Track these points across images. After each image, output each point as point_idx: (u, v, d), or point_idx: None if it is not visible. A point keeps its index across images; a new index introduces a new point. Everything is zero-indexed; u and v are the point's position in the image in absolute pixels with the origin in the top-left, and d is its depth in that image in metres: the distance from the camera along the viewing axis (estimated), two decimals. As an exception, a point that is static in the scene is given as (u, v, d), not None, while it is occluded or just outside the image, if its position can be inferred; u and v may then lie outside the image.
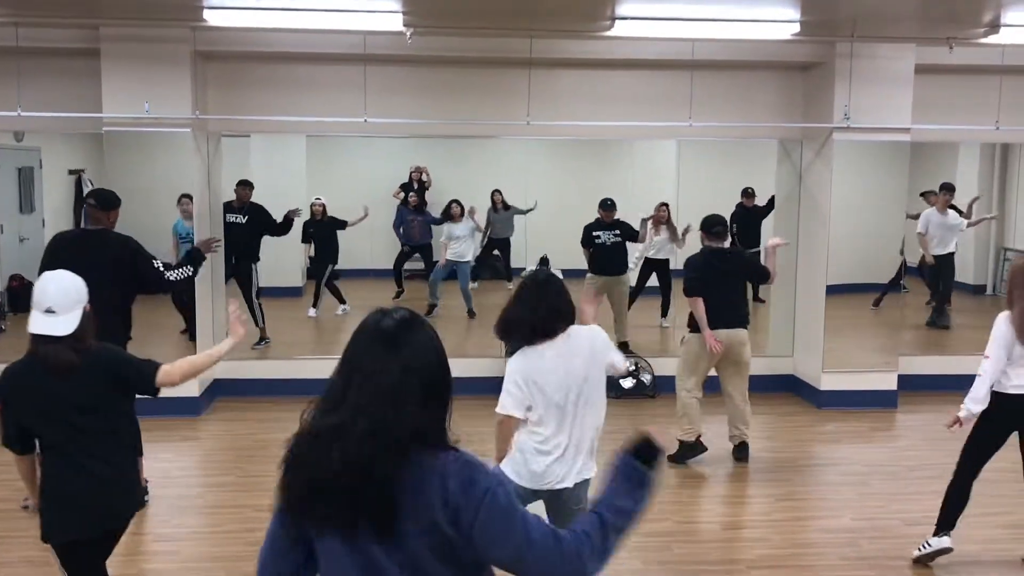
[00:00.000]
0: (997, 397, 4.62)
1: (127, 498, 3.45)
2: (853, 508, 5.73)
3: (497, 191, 11.83)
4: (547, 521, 1.93)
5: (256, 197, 10.28)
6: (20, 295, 9.37)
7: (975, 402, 4.61)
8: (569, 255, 9.15)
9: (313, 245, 10.72)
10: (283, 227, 9.38)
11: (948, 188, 9.80)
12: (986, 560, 4.99)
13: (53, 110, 7.31)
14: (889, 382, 8.03)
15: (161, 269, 5.33)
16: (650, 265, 10.00)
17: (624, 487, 2.02)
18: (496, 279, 12.13)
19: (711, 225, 6.48)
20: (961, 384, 7.98)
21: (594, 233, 8.99)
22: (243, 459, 6.51)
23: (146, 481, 5.76)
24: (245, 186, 9.11)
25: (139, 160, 7.47)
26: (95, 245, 5.23)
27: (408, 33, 6.90)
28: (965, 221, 9.94)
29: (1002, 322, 4.63)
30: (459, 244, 10.75)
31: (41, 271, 4.37)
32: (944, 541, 4.79)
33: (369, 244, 12.17)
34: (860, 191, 8.01)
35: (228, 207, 8.71)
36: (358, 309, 11.52)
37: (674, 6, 6.80)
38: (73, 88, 7.41)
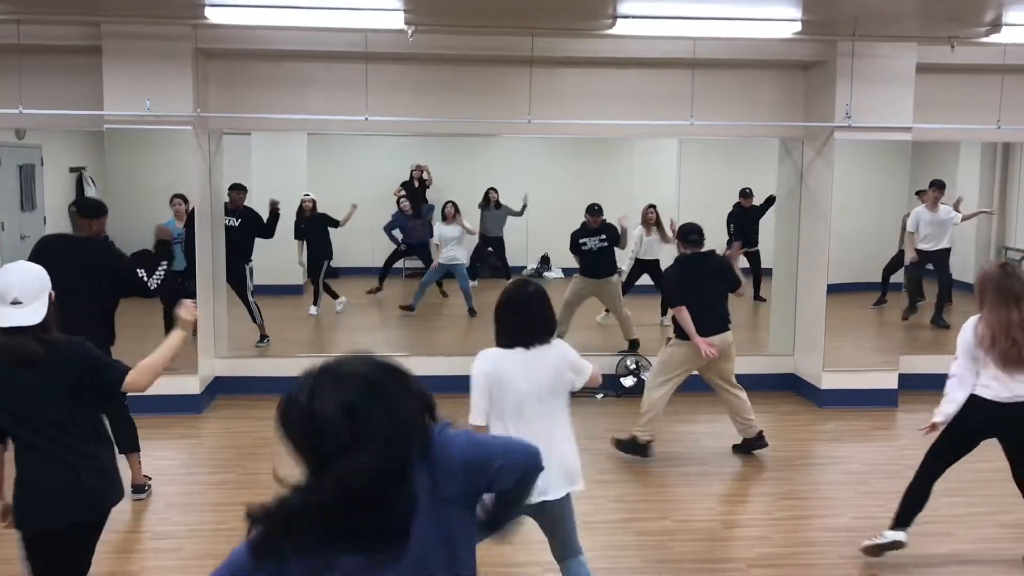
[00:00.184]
0: (972, 400, 4.59)
1: (98, 490, 3.38)
2: (853, 507, 5.73)
3: (492, 189, 11.82)
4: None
5: (257, 195, 10.28)
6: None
7: (950, 404, 4.60)
8: (570, 255, 9.15)
9: (305, 242, 10.70)
10: (272, 223, 9.41)
11: (938, 185, 9.74)
12: (986, 559, 4.99)
13: (54, 107, 7.31)
14: (890, 381, 8.03)
15: (144, 278, 5.33)
16: (641, 266, 9.97)
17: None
18: (496, 277, 12.13)
19: (687, 233, 6.54)
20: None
21: (580, 240, 8.93)
22: (244, 457, 6.52)
23: (147, 478, 5.78)
24: (239, 190, 9.11)
25: (140, 158, 7.47)
26: (78, 252, 5.21)
27: (409, 31, 6.89)
28: (959, 215, 9.90)
29: (969, 327, 4.62)
30: (451, 247, 10.68)
31: None
32: (899, 534, 4.80)
33: (370, 242, 12.17)
34: (861, 190, 8.01)
35: (224, 209, 8.64)
36: (357, 306, 11.53)
37: (675, 5, 6.79)
38: (74, 85, 7.41)
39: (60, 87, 7.43)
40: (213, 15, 6.88)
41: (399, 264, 12.09)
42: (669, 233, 9.45)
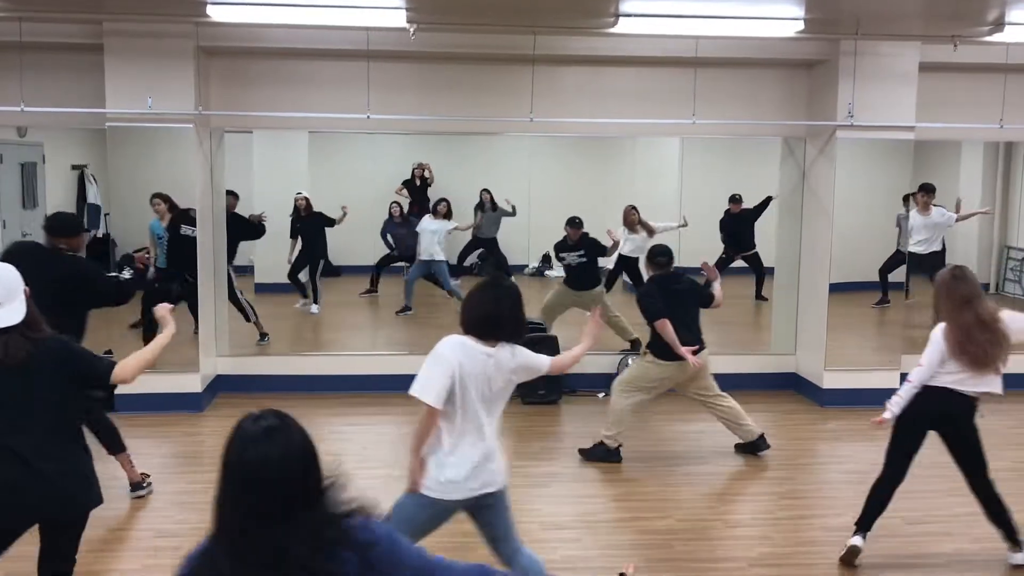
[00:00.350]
0: (932, 391, 4.64)
1: (69, 492, 3.39)
2: (855, 507, 5.69)
3: (486, 190, 11.81)
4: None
5: (259, 193, 10.27)
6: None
7: (898, 406, 4.66)
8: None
9: (300, 240, 10.68)
10: (256, 231, 9.31)
11: (927, 189, 9.66)
12: (986, 559, 4.98)
13: (56, 105, 7.31)
14: (892, 380, 7.98)
15: (115, 274, 5.31)
16: (623, 263, 9.88)
17: None
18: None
19: (655, 256, 6.55)
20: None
21: (559, 255, 8.84)
22: (245, 455, 6.51)
23: (144, 475, 5.77)
24: (229, 195, 8.62)
25: (142, 156, 7.48)
26: (44, 261, 5.10)
27: (411, 29, 6.89)
28: (953, 216, 9.85)
29: (939, 335, 4.63)
30: (430, 241, 10.59)
31: None
32: (856, 540, 4.82)
33: (371, 241, 12.15)
34: (863, 189, 8.00)
35: (184, 217, 7.95)
36: (358, 305, 11.54)
37: (678, 3, 6.79)
38: (76, 83, 7.41)
39: (62, 85, 7.43)
40: (215, 13, 6.88)
41: (400, 264, 12.08)
42: (655, 225, 9.41)
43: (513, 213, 11.39)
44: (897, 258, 8.78)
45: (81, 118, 7.49)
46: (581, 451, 6.54)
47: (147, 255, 6.01)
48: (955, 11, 7.02)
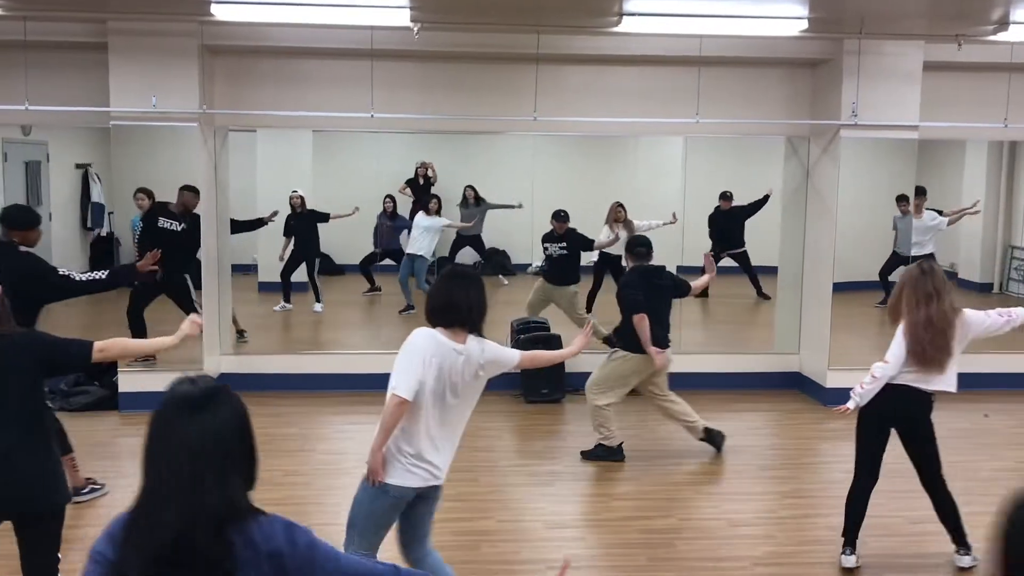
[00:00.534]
0: (884, 387, 4.64)
1: (39, 489, 3.40)
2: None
3: (470, 186, 11.81)
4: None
5: (262, 192, 10.26)
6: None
7: (863, 398, 4.67)
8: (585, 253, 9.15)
9: (293, 239, 10.68)
10: (252, 225, 9.16)
11: (919, 192, 9.60)
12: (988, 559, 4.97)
13: (60, 104, 7.32)
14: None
15: (67, 274, 5.24)
16: (605, 261, 9.88)
17: None
18: (498, 275, 12.14)
19: (634, 246, 6.52)
20: (967, 382, 8.01)
21: (544, 244, 8.97)
22: (249, 453, 6.51)
23: (89, 480, 5.68)
24: (192, 192, 7.77)
25: (146, 154, 7.50)
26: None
27: (415, 28, 6.90)
28: (944, 219, 9.82)
29: (901, 330, 4.62)
30: (419, 236, 10.56)
31: None
32: (848, 560, 4.80)
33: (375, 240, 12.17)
34: (867, 188, 8.00)
35: (163, 210, 7.89)
36: (360, 304, 11.54)
37: (682, 2, 6.80)
38: (80, 82, 7.42)
39: (66, 84, 7.44)
40: (219, 12, 6.89)
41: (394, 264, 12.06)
42: (638, 223, 9.40)
43: (501, 205, 11.39)
44: (895, 260, 8.77)
45: (85, 117, 7.50)
46: (583, 453, 6.54)
47: (156, 254, 5.95)
48: (959, 10, 7.01)
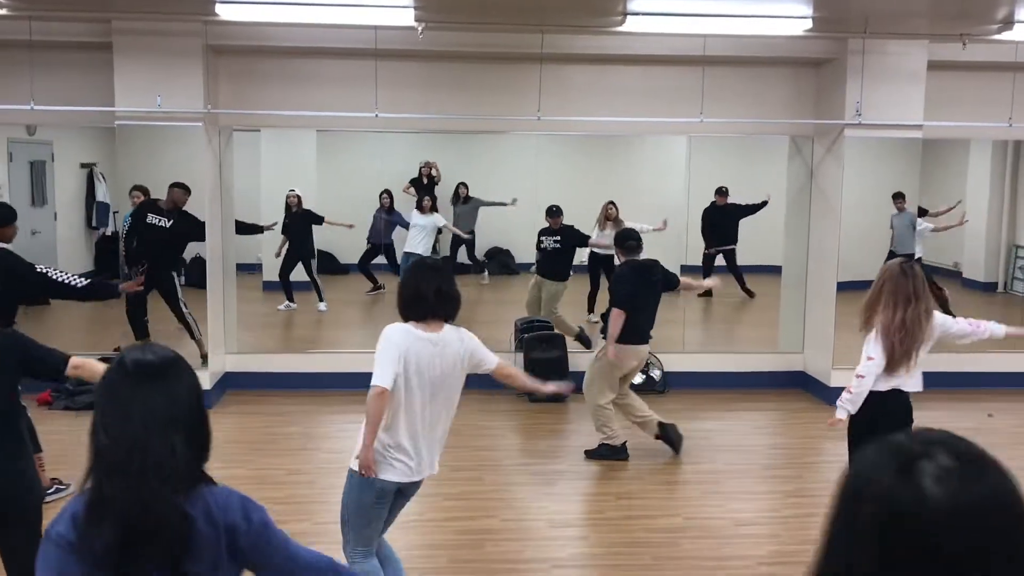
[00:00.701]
0: (869, 396, 4.55)
1: (13, 489, 3.40)
2: (863, 505, 5.71)
3: (462, 184, 11.81)
4: None
5: (266, 191, 10.26)
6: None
7: (854, 404, 4.54)
8: (577, 252, 9.15)
9: (288, 238, 10.68)
10: (251, 229, 9.08)
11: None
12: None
13: (65, 104, 7.34)
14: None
15: (44, 271, 5.23)
16: (598, 261, 9.90)
17: None
18: (503, 274, 12.14)
19: (624, 240, 6.49)
20: (971, 381, 8.07)
21: (540, 237, 9.05)
22: (254, 452, 6.53)
23: (55, 480, 5.65)
24: (182, 189, 7.75)
25: (151, 154, 7.52)
26: None
27: (419, 28, 6.90)
28: (929, 225, 9.72)
29: (874, 330, 4.58)
30: (415, 233, 10.60)
31: None
32: None
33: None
34: (871, 188, 8.00)
35: (152, 207, 7.85)
36: (363, 303, 11.55)
37: (686, 1, 6.80)
38: (85, 82, 7.43)
39: (71, 83, 7.46)
40: (223, 11, 6.90)
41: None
42: (632, 226, 9.40)
43: (495, 203, 11.38)
44: (892, 259, 8.74)
45: (90, 116, 7.52)
46: (586, 452, 6.54)
47: (140, 279, 5.93)
48: (963, 9, 7.00)
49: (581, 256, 9.55)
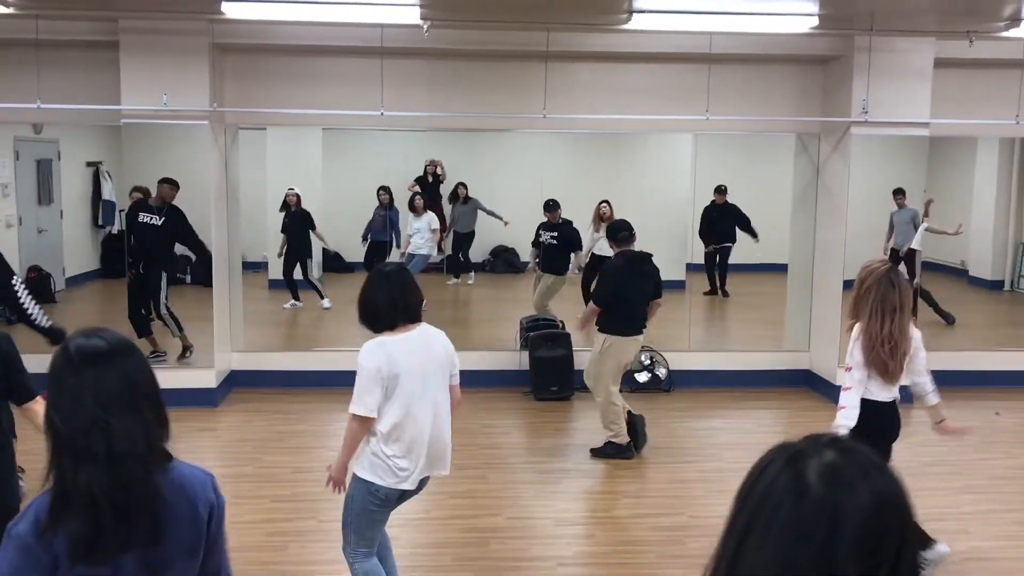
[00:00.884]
0: (867, 405, 4.40)
1: None
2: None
3: (461, 184, 11.81)
4: None
5: (272, 190, 10.26)
6: (37, 286, 9.45)
7: (848, 418, 4.36)
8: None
9: (287, 237, 10.68)
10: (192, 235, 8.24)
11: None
12: (1003, 557, 4.97)
13: (72, 102, 7.35)
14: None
15: (17, 287, 5.23)
16: (596, 262, 9.84)
17: None
18: (508, 272, 12.14)
19: (617, 231, 6.48)
20: (975, 380, 8.04)
21: (539, 231, 9.12)
22: (260, 450, 6.55)
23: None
24: (170, 185, 7.74)
25: (157, 152, 7.53)
26: None
27: (425, 26, 6.90)
28: (925, 223, 9.66)
29: (855, 337, 4.44)
30: (417, 237, 10.64)
31: None
32: None
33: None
34: (878, 186, 7.98)
35: (143, 206, 7.83)
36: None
37: (691, -1, 6.79)
38: (92, 80, 7.45)
39: (78, 82, 7.47)
40: (229, 10, 6.91)
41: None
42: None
43: (492, 213, 11.39)
44: (892, 256, 8.72)
45: (97, 115, 7.53)
46: (592, 451, 6.54)
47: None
48: (970, 6, 6.98)
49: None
